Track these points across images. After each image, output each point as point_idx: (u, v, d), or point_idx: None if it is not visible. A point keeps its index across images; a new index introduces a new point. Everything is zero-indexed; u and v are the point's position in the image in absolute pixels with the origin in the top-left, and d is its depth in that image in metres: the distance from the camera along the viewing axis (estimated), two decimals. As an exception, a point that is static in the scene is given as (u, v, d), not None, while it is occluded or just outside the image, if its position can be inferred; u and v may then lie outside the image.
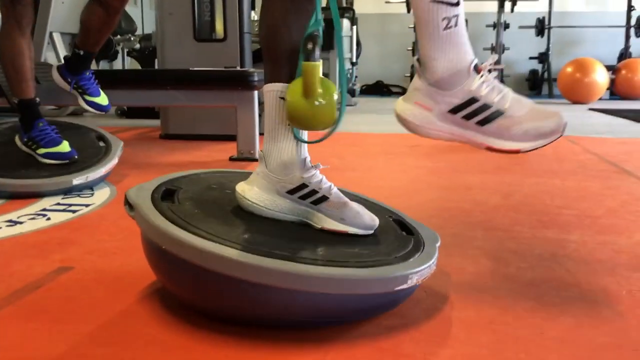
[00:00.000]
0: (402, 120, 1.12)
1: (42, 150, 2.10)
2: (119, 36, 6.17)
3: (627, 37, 8.35)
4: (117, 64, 6.94)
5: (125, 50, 6.37)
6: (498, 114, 1.07)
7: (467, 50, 1.08)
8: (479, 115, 1.08)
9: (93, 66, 2.45)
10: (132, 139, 3.48)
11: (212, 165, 2.62)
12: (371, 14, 9.04)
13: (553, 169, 2.54)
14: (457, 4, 1.05)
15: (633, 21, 8.30)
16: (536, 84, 8.92)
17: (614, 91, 7.79)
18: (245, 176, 1.22)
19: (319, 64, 1.06)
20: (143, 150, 3.03)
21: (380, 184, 2.25)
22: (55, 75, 2.31)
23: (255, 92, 2.67)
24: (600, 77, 6.76)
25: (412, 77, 8.12)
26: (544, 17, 8.53)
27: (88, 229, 1.62)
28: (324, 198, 1.13)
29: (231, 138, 2.82)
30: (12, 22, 2.09)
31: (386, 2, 8.28)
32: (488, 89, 1.08)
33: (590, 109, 5.95)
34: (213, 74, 2.65)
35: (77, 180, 2.01)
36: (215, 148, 3.10)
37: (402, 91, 9.16)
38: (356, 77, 8.44)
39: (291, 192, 1.13)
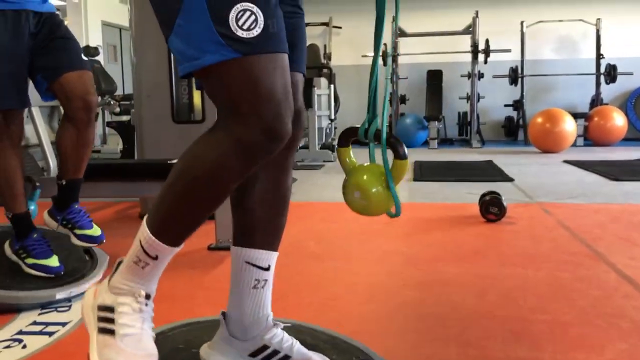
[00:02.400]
0: None
1: (30, 260, 2.09)
2: (99, 98, 6.21)
3: (598, 84, 8.60)
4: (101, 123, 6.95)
5: (106, 120, 6.40)
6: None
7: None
8: None
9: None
10: (111, 220, 3.48)
11: (191, 256, 2.63)
12: (348, 66, 9.21)
13: (527, 253, 2.59)
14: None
15: (602, 69, 8.54)
16: (512, 130, 9.09)
17: (587, 137, 7.97)
18: (212, 329, 1.24)
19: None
20: (121, 238, 3.03)
21: (356, 281, 2.27)
22: (46, 217, 2.25)
23: (233, 182, 2.70)
24: (569, 127, 6.95)
25: (390, 125, 8.24)
26: (516, 66, 8.74)
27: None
28: (286, 357, 1.16)
29: (212, 217, 2.81)
30: (5, 140, 2.05)
31: (363, 56, 8.46)
32: None
33: (565, 161, 6.07)
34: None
35: (60, 294, 2.01)
36: (196, 232, 3.11)
37: (381, 139, 9.28)
38: (335, 129, 8.54)
39: (253, 354, 1.16)
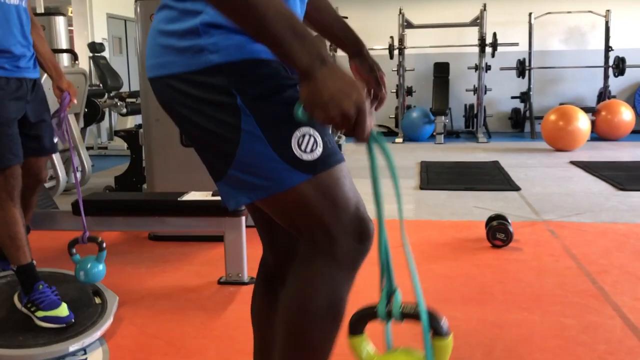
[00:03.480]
0: None
1: (40, 314, 2.14)
2: (106, 100, 6.22)
3: (606, 77, 8.53)
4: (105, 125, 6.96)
5: (113, 128, 6.42)
6: None
7: None
8: None
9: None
10: (119, 243, 3.51)
11: (201, 293, 2.67)
12: (355, 56, 9.15)
13: (534, 293, 2.61)
14: None
15: (611, 61, 8.47)
16: (518, 122, 9.06)
17: (595, 132, 7.94)
18: None
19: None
20: (130, 265, 3.07)
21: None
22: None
23: (243, 218, 2.73)
24: (583, 125, 6.90)
25: (396, 118, 8.21)
26: (524, 59, 8.67)
27: None
28: None
29: (221, 239, 2.82)
30: (4, 195, 2.13)
31: (370, 49, 8.38)
32: None
33: (572, 162, 6.06)
34: (201, 204, 2.71)
35: (74, 347, 2.06)
36: (206, 258, 3.15)
37: (388, 131, 9.28)
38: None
39: None
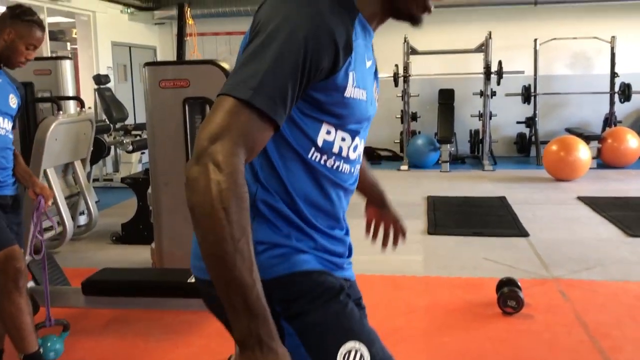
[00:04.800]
0: None
1: None
2: (113, 135, 6.22)
3: (612, 103, 8.51)
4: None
5: (120, 176, 6.42)
6: None
7: None
8: None
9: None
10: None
11: (213, 375, 2.66)
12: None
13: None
14: None
15: (617, 87, 8.45)
16: (524, 147, 9.04)
17: (601, 159, 7.92)
18: None
19: None
20: (140, 336, 3.06)
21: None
22: None
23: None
24: (584, 155, 6.91)
25: (401, 143, 8.19)
26: (529, 85, 8.66)
27: None
28: None
29: None
30: (10, 285, 2.17)
31: (374, 77, 8.37)
32: None
33: (579, 198, 6.04)
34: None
35: None
36: (215, 327, 3.13)
37: (392, 155, 9.27)
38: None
39: None
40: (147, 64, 3.39)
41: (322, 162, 1.09)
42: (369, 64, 1.14)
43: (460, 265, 4.10)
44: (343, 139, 1.10)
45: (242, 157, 0.93)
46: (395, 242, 1.53)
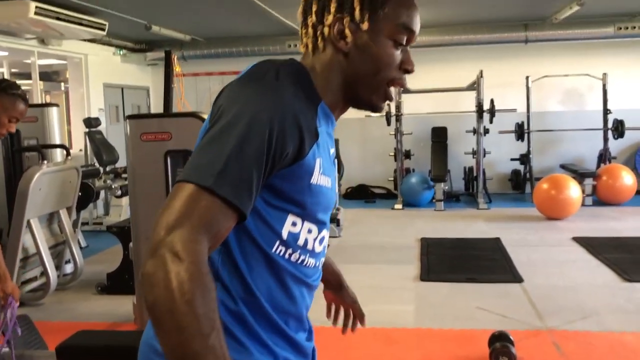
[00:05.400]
0: None
1: None
2: (102, 181, 6.16)
3: (605, 139, 8.50)
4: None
5: (108, 224, 6.36)
6: None
7: None
8: None
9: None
10: None
11: None
12: (352, 118, 9.10)
13: None
14: None
15: (610, 123, 8.44)
16: (519, 184, 8.99)
17: (597, 196, 7.86)
18: None
19: None
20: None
21: None
22: None
23: None
24: (574, 193, 6.89)
25: (395, 180, 8.14)
26: (522, 122, 8.65)
27: None
28: None
29: None
30: None
31: (366, 116, 8.37)
32: None
33: (574, 239, 5.96)
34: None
35: None
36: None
37: (386, 193, 9.20)
38: (340, 185, 8.47)
39: None
40: (129, 117, 3.35)
41: (286, 256, 1.02)
42: (332, 151, 1.10)
43: (453, 315, 3.99)
44: (309, 231, 1.04)
45: (205, 244, 0.85)
46: (353, 328, 1.49)
